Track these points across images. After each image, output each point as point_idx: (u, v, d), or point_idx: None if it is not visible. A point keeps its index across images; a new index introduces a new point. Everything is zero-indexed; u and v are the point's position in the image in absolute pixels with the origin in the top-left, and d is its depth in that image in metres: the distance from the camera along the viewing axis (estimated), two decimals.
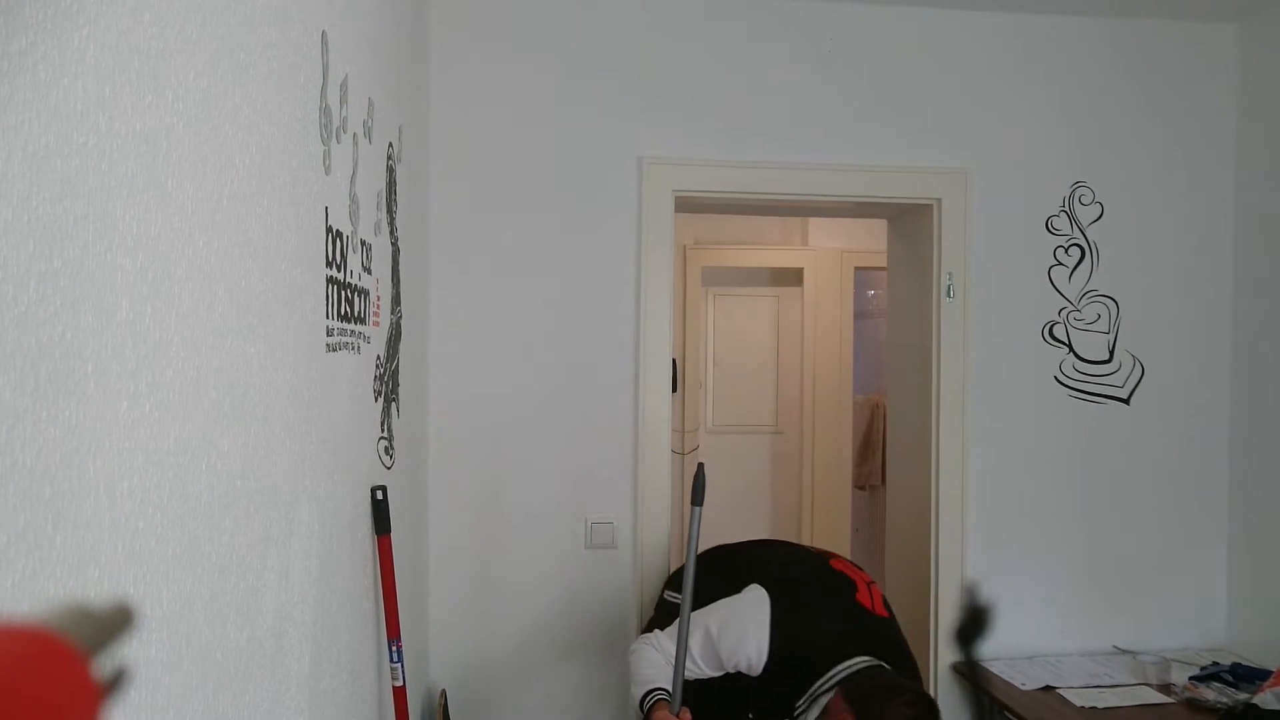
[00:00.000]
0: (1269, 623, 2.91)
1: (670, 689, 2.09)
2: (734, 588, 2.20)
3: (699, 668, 2.13)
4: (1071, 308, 3.00)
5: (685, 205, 2.96)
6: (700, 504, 2.14)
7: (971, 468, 2.95)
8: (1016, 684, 2.71)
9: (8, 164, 0.54)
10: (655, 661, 2.15)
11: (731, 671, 2.11)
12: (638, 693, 2.13)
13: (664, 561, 2.85)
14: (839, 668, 2.01)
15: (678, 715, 2.06)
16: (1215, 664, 2.77)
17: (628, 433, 2.82)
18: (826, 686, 2.00)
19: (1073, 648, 2.99)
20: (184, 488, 0.80)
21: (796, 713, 2.04)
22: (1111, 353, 3.02)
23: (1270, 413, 2.92)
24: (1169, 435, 3.05)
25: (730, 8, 2.86)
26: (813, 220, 5.15)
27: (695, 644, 2.12)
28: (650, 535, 2.83)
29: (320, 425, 1.29)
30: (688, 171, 2.83)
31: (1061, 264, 3.00)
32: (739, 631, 2.09)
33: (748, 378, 5.44)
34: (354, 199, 1.51)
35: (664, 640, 2.20)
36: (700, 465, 2.16)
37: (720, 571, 2.28)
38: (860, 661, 2.02)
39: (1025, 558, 2.99)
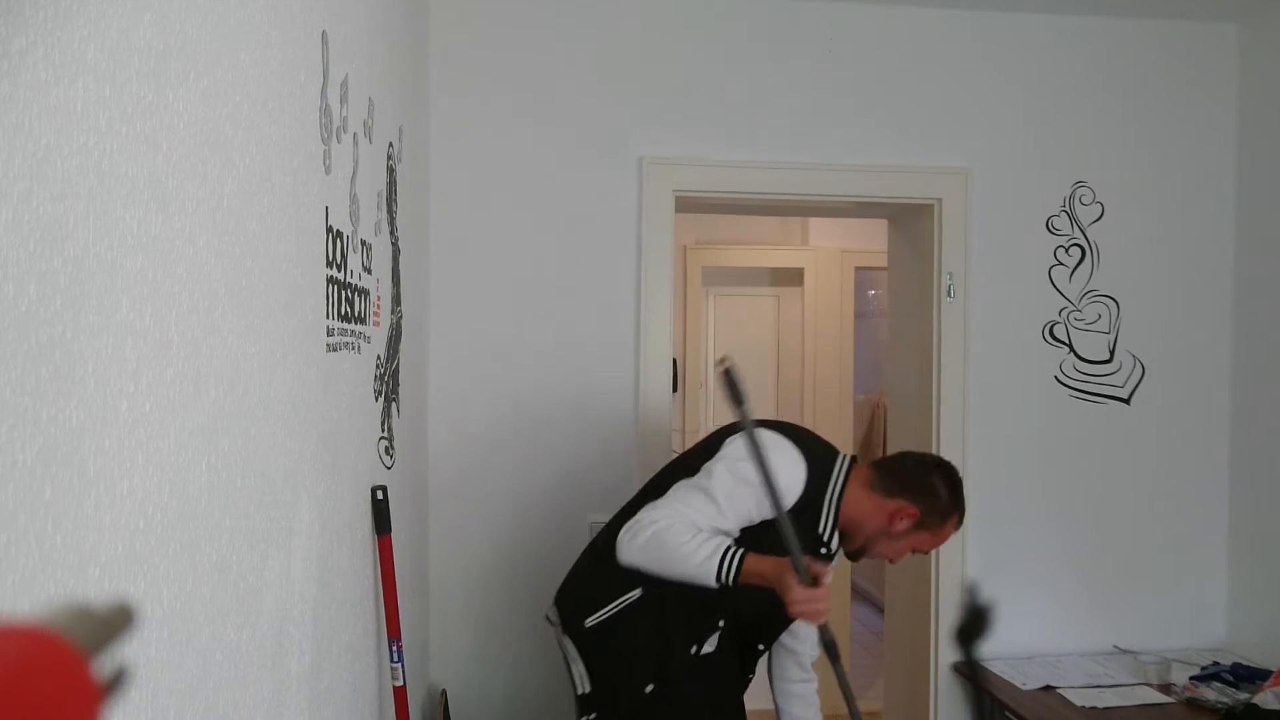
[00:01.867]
0: (1269, 623, 2.91)
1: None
2: (715, 448, 1.95)
3: (726, 520, 1.83)
4: (1072, 308, 3.00)
5: (685, 205, 2.96)
6: (743, 403, 1.68)
7: (971, 468, 2.95)
8: (1016, 684, 2.72)
9: (8, 164, 0.54)
10: (694, 531, 1.78)
11: (757, 520, 1.85)
12: (704, 555, 1.74)
13: None
14: (837, 470, 1.94)
15: (811, 578, 1.69)
16: (1215, 664, 2.77)
17: (628, 433, 2.82)
18: (837, 493, 1.91)
19: (1073, 648, 2.99)
20: (184, 487, 0.80)
21: (826, 537, 1.91)
22: (1112, 353, 3.02)
23: (1270, 413, 2.92)
24: (1169, 435, 3.05)
25: (731, 7, 2.86)
26: (813, 220, 5.15)
27: (720, 491, 1.82)
28: None
29: (320, 425, 1.29)
30: (688, 171, 2.83)
31: (1062, 264, 3.00)
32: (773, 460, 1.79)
33: (748, 378, 5.43)
34: (354, 199, 1.51)
35: (690, 512, 1.80)
36: (723, 360, 1.71)
37: (690, 453, 2.04)
38: (843, 458, 1.98)
39: (1025, 558, 2.99)
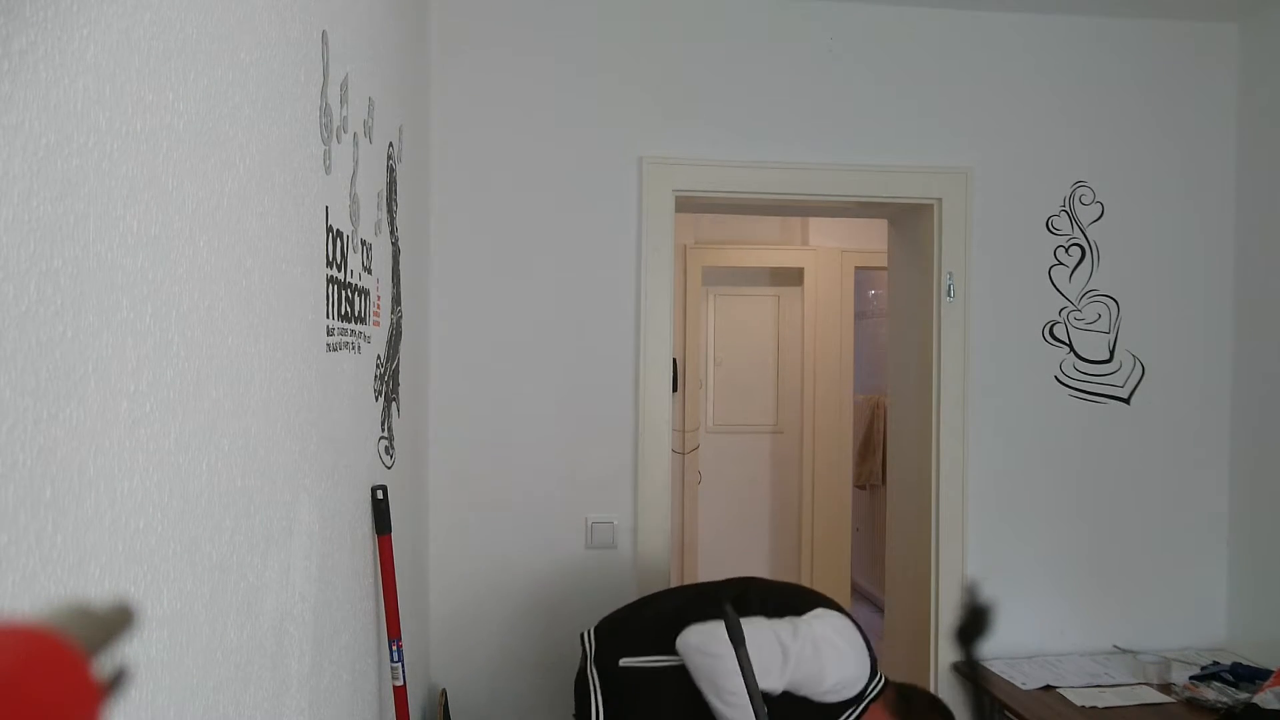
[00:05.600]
0: (1269, 623, 2.91)
1: None
2: (797, 606, 2.09)
3: (778, 681, 1.94)
4: (1072, 307, 3.00)
5: (685, 205, 2.96)
6: (743, 645, 1.70)
7: (971, 468, 2.96)
8: (1016, 684, 2.72)
9: (8, 164, 0.54)
10: (740, 691, 1.87)
11: (796, 693, 1.96)
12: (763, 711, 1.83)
13: (664, 561, 2.85)
14: (876, 683, 2.05)
15: None
16: (1215, 664, 2.77)
17: (628, 432, 2.82)
18: (865, 705, 2.03)
19: (1073, 647, 2.99)
20: (184, 487, 0.80)
21: None
22: (1112, 352, 3.03)
23: (1270, 413, 2.92)
24: (1169, 435, 3.05)
25: (731, 8, 2.86)
26: (813, 220, 5.15)
27: (794, 655, 1.95)
28: (650, 535, 2.83)
29: (321, 425, 1.29)
30: (688, 171, 2.83)
31: (1062, 264, 3.00)
32: (837, 653, 1.98)
33: (748, 378, 5.44)
34: (354, 199, 1.51)
35: (757, 656, 1.88)
36: (727, 609, 1.71)
37: (764, 584, 2.19)
38: (882, 675, 2.10)
39: (1025, 557, 2.99)
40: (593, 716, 2.03)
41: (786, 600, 2.11)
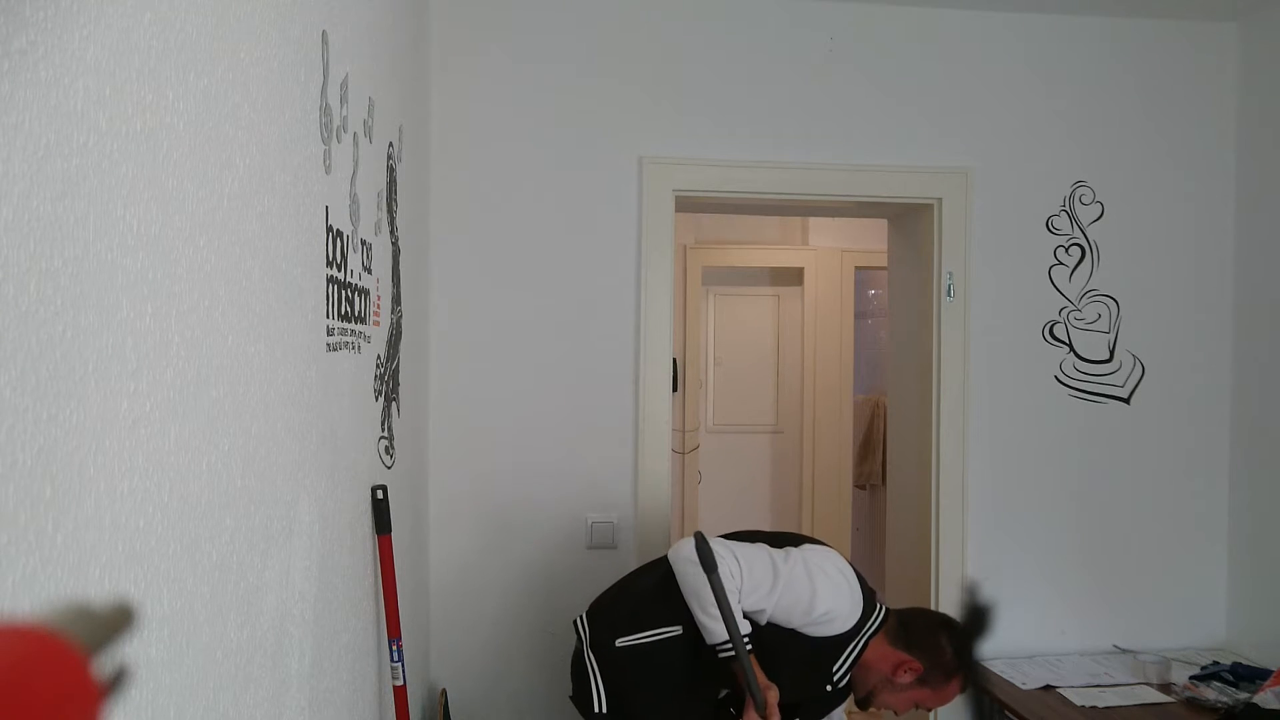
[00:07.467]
0: (1269, 623, 2.91)
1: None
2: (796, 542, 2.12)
3: (767, 601, 1.96)
4: (1072, 307, 3.00)
5: (685, 205, 2.96)
6: (715, 570, 1.87)
7: (971, 468, 2.95)
8: (1016, 683, 2.72)
9: (8, 164, 0.54)
10: (735, 596, 1.94)
11: (764, 622, 1.99)
12: (728, 623, 1.90)
13: None
14: (875, 618, 2.05)
15: (763, 709, 1.89)
16: (1215, 664, 2.77)
17: (628, 432, 2.82)
18: (864, 639, 2.03)
19: (1073, 647, 2.99)
20: (184, 487, 0.80)
21: (837, 677, 2.02)
22: (1112, 352, 3.03)
23: (1270, 413, 2.92)
24: (1169, 435, 3.05)
25: (731, 8, 2.86)
26: (813, 220, 5.15)
27: (783, 580, 1.95)
28: (651, 535, 2.83)
29: (321, 424, 1.29)
30: (688, 171, 2.83)
31: (1062, 263, 3.00)
32: (828, 579, 1.99)
33: (748, 377, 5.44)
34: (354, 198, 1.51)
35: (749, 575, 1.95)
36: (698, 535, 1.91)
37: (760, 532, 2.20)
38: (882, 607, 2.10)
39: (1025, 557, 2.99)
40: (594, 698, 2.05)
41: (784, 539, 2.14)
